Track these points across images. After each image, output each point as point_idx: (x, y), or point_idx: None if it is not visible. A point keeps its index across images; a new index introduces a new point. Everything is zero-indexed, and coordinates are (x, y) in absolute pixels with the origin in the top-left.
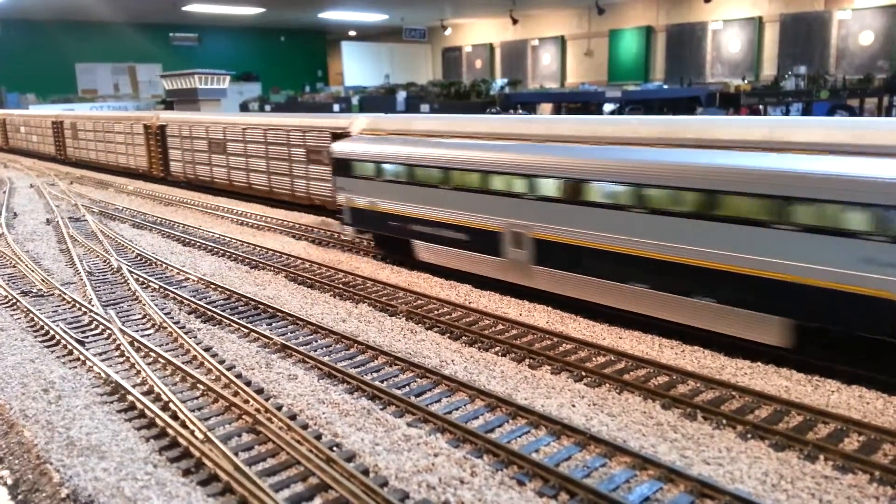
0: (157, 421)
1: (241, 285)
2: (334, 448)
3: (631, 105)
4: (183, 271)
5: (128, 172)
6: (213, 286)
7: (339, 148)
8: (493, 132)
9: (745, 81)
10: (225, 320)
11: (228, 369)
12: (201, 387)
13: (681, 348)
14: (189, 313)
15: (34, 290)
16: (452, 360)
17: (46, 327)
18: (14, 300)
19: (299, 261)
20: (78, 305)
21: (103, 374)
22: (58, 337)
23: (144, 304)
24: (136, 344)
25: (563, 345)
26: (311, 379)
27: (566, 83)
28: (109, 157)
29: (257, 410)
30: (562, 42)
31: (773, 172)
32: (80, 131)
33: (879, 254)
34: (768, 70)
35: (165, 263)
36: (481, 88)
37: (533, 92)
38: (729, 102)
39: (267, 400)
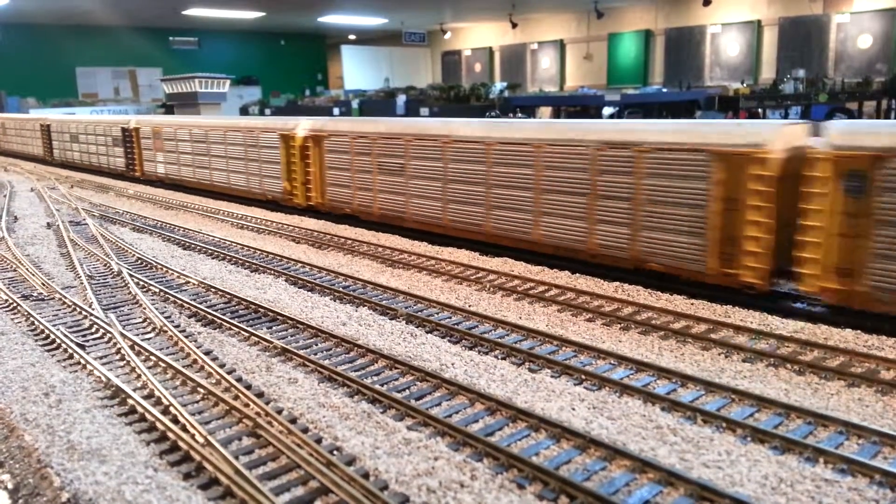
0: (158, 425)
1: (241, 289)
2: (335, 451)
3: (630, 109)
4: (183, 275)
5: (108, 172)
6: (213, 290)
7: None
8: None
9: (744, 85)
10: (225, 324)
11: (229, 373)
12: (202, 390)
13: (680, 351)
14: (189, 317)
15: (35, 294)
16: (452, 364)
17: (47, 331)
18: (15, 304)
19: (299, 264)
20: (78, 309)
21: (104, 378)
22: (58, 341)
23: (145, 308)
24: (136, 347)
25: (564, 348)
26: (311, 382)
27: (565, 87)
28: (91, 157)
29: (258, 414)
30: (561, 46)
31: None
32: (58, 133)
33: None
34: (767, 73)
35: (166, 267)
36: (481, 92)
37: (532, 95)
38: (728, 106)
39: (267, 403)
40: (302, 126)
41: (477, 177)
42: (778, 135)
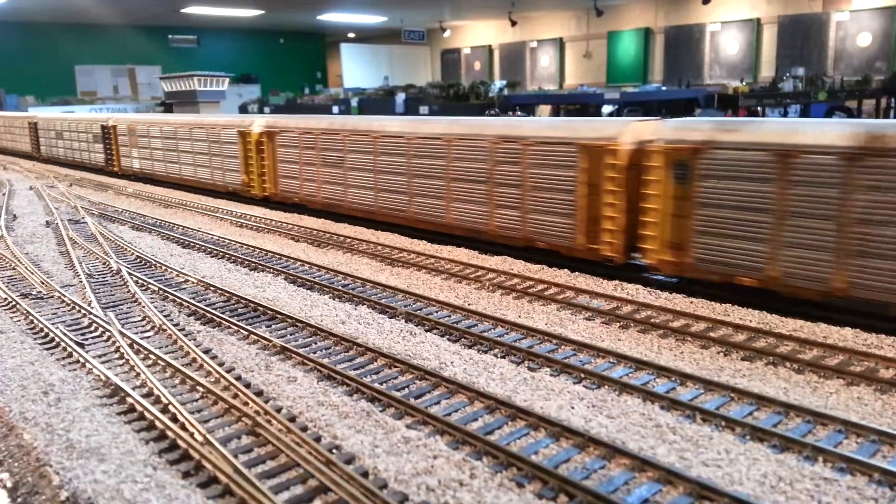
0: (157, 423)
1: (240, 287)
2: (334, 450)
3: (629, 107)
4: (182, 273)
5: (90, 167)
6: (212, 288)
7: None
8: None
9: (744, 83)
10: (224, 322)
11: (228, 371)
12: (201, 389)
13: (679, 350)
14: (188, 315)
15: (34, 293)
16: (452, 362)
17: (46, 330)
18: (14, 302)
19: (299, 263)
20: (77, 308)
21: (103, 377)
22: (57, 339)
23: (144, 307)
24: (135, 346)
25: (563, 346)
26: (310, 381)
27: (565, 85)
28: (74, 154)
29: (257, 412)
30: (560, 44)
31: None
32: (44, 130)
33: None
34: (766, 72)
35: (165, 265)
36: (480, 90)
37: (532, 94)
38: (727, 104)
39: (266, 402)
40: (257, 123)
41: (401, 168)
42: (627, 130)
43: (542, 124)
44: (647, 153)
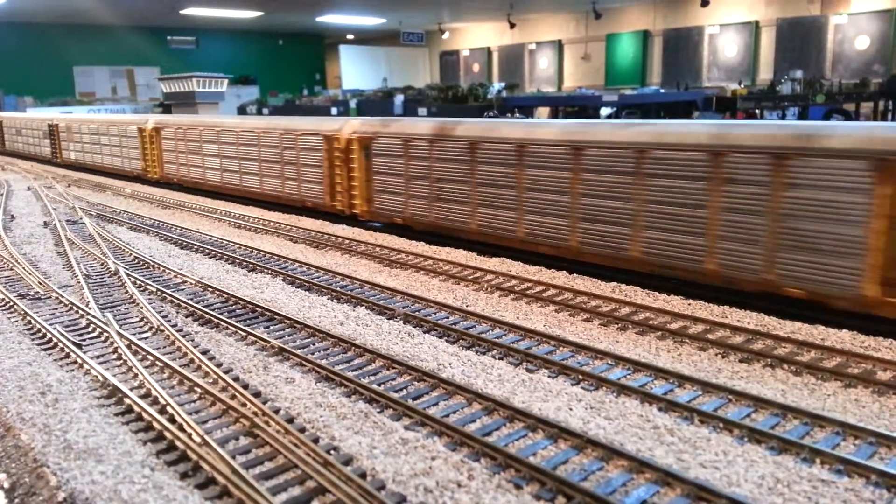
0: (155, 424)
1: (238, 288)
2: (332, 451)
3: (627, 109)
4: (180, 274)
5: (40, 159)
6: (210, 289)
7: None
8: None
9: (742, 86)
10: (222, 323)
11: (226, 372)
12: (199, 390)
13: (677, 351)
14: (186, 316)
15: (31, 293)
16: (450, 364)
17: (44, 330)
18: (11, 303)
19: (297, 264)
20: (75, 308)
21: (101, 378)
22: (55, 340)
23: (142, 307)
24: (133, 347)
25: (561, 348)
26: (308, 382)
27: (563, 87)
28: (28, 147)
29: (255, 413)
30: (559, 46)
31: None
32: (8, 128)
33: None
34: (765, 74)
35: (163, 266)
36: (479, 92)
37: (530, 96)
38: (725, 106)
39: (264, 403)
40: (151, 121)
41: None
42: (346, 126)
43: (300, 121)
44: (352, 140)
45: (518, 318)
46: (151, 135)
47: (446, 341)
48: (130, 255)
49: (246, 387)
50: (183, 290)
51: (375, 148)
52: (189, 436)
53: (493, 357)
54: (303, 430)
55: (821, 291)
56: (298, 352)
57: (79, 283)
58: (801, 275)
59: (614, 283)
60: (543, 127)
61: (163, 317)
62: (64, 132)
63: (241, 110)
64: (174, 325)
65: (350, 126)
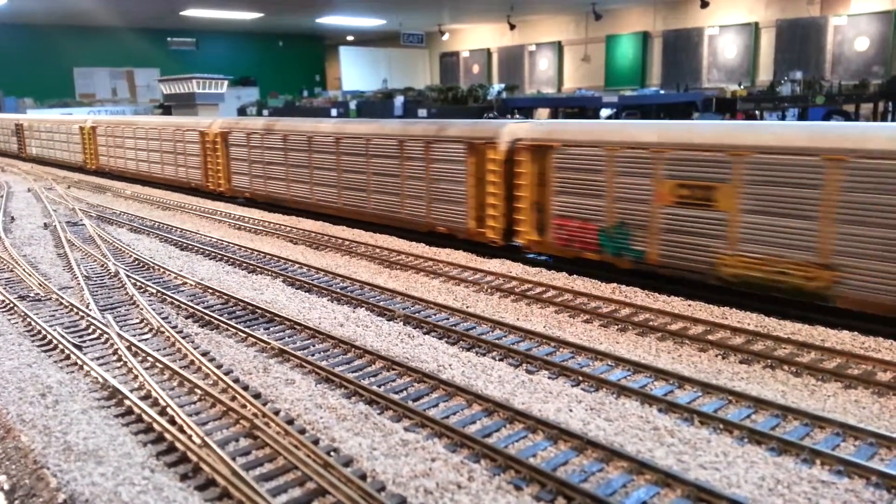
0: (155, 426)
1: (238, 290)
2: (332, 453)
3: (627, 110)
4: (180, 276)
5: (8, 154)
6: (210, 290)
7: None
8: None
9: (742, 87)
10: (222, 325)
11: (226, 374)
12: (199, 391)
13: (677, 353)
14: (187, 318)
15: (31, 295)
16: (450, 365)
17: (44, 332)
18: (11, 305)
19: (297, 265)
20: (75, 310)
21: (101, 379)
22: (55, 341)
23: (142, 309)
24: (133, 348)
25: (561, 349)
26: (308, 383)
27: (563, 88)
28: (1, 145)
29: (255, 415)
30: (559, 47)
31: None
32: None
33: None
34: (764, 75)
35: (163, 268)
36: (479, 93)
37: (530, 97)
38: (725, 108)
39: (264, 404)
40: (91, 120)
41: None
42: (213, 124)
43: (185, 119)
44: (217, 134)
45: (518, 319)
46: (90, 132)
47: (446, 343)
48: (130, 256)
49: (246, 388)
50: (183, 291)
51: (230, 140)
52: (189, 437)
53: (494, 358)
54: (303, 432)
55: (451, 227)
56: (299, 353)
57: (79, 284)
58: (443, 217)
59: (614, 285)
60: (323, 123)
61: (163, 318)
62: (27, 130)
63: (241, 111)
64: (174, 327)
65: (217, 123)
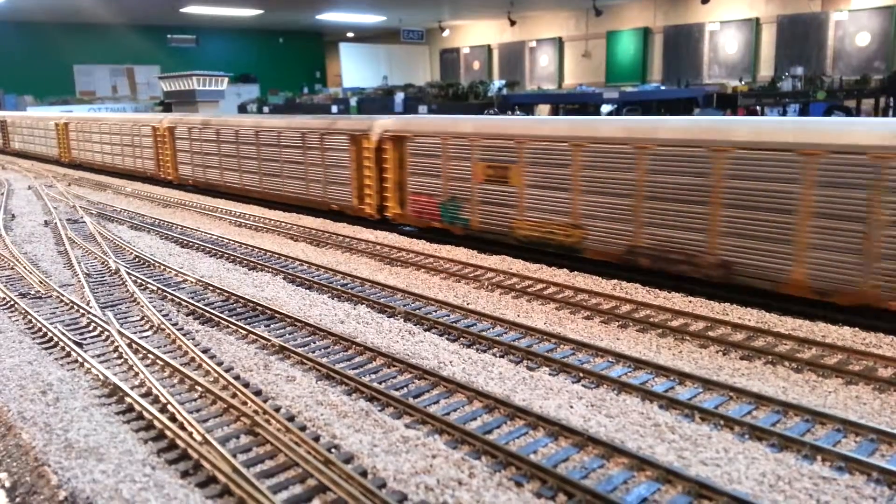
0: (156, 423)
1: (239, 287)
2: (332, 449)
3: (628, 106)
4: (181, 273)
5: None
6: (211, 288)
7: None
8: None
9: (743, 82)
10: (223, 322)
11: (227, 371)
12: (199, 388)
13: (678, 349)
14: (187, 315)
15: (32, 292)
16: (450, 362)
17: (44, 329)
18: (12, 302)
19: (297, 262)
20: (76, 307)
21: (101, 376)
22: (56, 339)
23: (142, 306)
24: (134, 346)
25: (562, 346)
26: (309, 380)
27: (564, 84)
28: None
29: (255, 412)
30: (559, 43)
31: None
32: None
33: None
34: (765, 71)
35: (164, 265)
36: (479, 90)
37: (530, 93)
38: (726, 103)
39: (265, 401)
40: (64, 118)
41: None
42: (164, 120)
43: (142, 116)
44: (166, 129)
45: (519, 315)
46: (62, 128)
47: (447, 339)
48: (131, 253)
49: (247, 385)
50: (184, 288)
51: (177, 134)
52: (190, 434)
53: (494, 355)
54: (304, 429)
55: (341, 205)
56: (299, 350)
57: (79, 281)
58: (335, 197)
59: (615, 281)
60: (246, 118)
61: (163, 315)
62: (11, 127)
63: (242, 109)
64: (175, 324)
65: (166, 119)
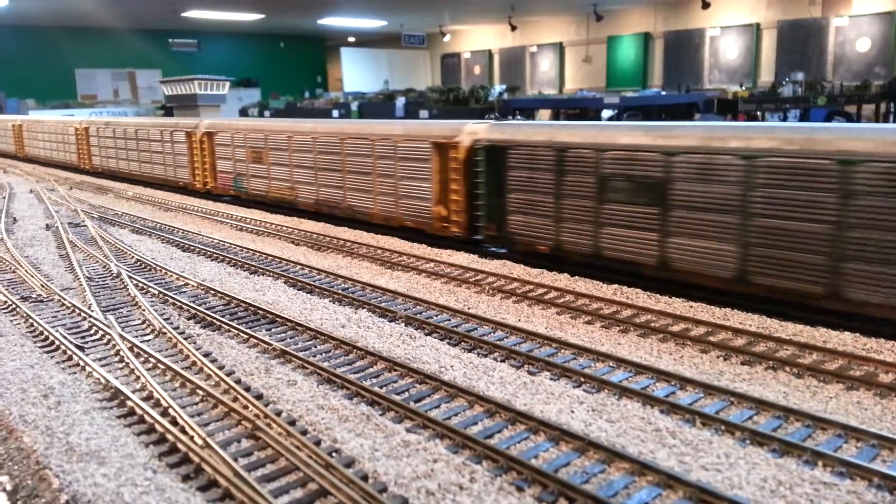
0: (157, 427)
1: (240, 291)
2: (334, 454)
3: (629, 111)
4: (182, 277)
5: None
6: (212, 292)
7: None
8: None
9: (743, 88)
10: (224, 326)
11: (228, 375)
12: (200, 392)
13: (679, 354)
14: (188, 319)
15: (34, 296)
16: (451, 366)
17: (46, 333)
18: (14, 305)
19: (298, 266)
20: (77, 311)
21: (103, 380)
22: (57, 342)
23: (144, 310)
24: (135, 349)
25: (563, 350)
26: (310, 384)
27: (564, 89)
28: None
29: (256, 416)
30: (560, 48)
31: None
32: None
33: None
34: (766, 76)
35: (165, 269)
36: (480, 94)
37: (531, 98)
38: (727, 109)
39: (266, 405)
40: (19, 118)
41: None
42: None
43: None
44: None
45: (520, 320)
46: (17, 128)
47: (448, 344)
48: (132, 257)
49: (248, 389)
50: (185, 292)
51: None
52: (191, 438)
53: (495, 359)
54: (305, 433)
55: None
56: (300, 354)
57: (81, 285)
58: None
59: (616, 286)
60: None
61: (165, 319)
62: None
63: (243, 113)
64: (176, 328)
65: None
